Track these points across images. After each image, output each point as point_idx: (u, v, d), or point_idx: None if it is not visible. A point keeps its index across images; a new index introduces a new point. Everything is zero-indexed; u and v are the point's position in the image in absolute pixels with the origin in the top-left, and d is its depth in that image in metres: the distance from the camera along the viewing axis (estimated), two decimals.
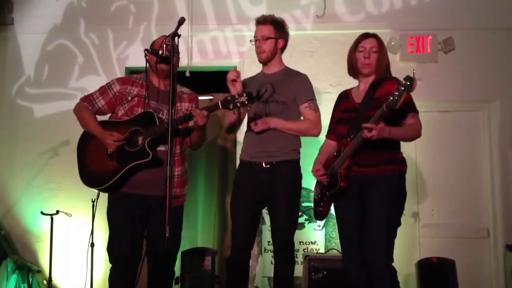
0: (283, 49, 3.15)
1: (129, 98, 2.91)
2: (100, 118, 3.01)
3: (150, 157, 2.74)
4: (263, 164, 2.97)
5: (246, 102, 2.67)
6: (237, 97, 2.68)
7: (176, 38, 2.64)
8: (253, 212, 3.03)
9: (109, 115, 3.03)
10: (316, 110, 3.04)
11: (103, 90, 2.99)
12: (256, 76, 3.20)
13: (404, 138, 2.68)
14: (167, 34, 2.67)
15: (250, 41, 3.10)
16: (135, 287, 2.90)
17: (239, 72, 2.96)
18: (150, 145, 2.76)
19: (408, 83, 2.32)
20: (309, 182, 4.21)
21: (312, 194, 4.27)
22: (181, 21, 2.57)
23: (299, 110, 3.05)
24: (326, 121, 3.24)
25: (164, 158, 2.71)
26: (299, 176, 3.05)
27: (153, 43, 2.99)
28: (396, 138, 2.58)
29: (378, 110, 2.45)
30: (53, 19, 4.71)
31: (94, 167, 2.88)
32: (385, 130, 2.49)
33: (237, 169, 3.13)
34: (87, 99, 2.99)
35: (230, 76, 2.92)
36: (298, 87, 3.04)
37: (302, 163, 3.05)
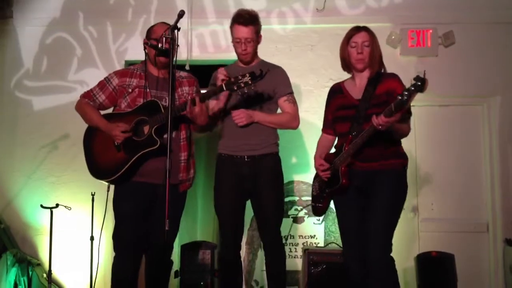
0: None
1: (130, 90, 2.93)
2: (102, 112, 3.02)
3: (158, 144, 2.76)
4: (245, 158, 2.97)
5: (250, 82, 2.68)
6: (240, 77, 2.69)
7: (176, 31, 2.63)
8: (238, 207, 3.04)
9: (111, 109, 3.04)
10: (295, 103, 3.07)
11: (102, 85, 3.00)
12: (231, 67, 3.16)
13: (399, 133, 2.65)
14: (165, 22, 2.65)
15: (232, 42, 3.05)
16: (137, 278, 2.91)
17: (226, 72, 2.93)
18: (157, 132, 2.78)
19: (419, 83, 2.24)
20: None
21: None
22: (181, 14, 2.56)
23: (277, 103, 3.05)
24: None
25: (172, 145, 2.71)
26: (281, 168, 3.07)
27: (151, 30, 2.96)
28: (395, 131, 2.57)
29: (385, 108, 2.39)
30: (52, 12, 4.69)
31: (103, 159, 2.89)
32: (395, 125, 2.49)
33: (217, 163, 3.10)
34: (88, 95, 3.00)
35: (220, 76, 2.89)
36: (276, 80, 3.03)
37: (286, 155, 3.08)
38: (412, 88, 2.26)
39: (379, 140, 2.57)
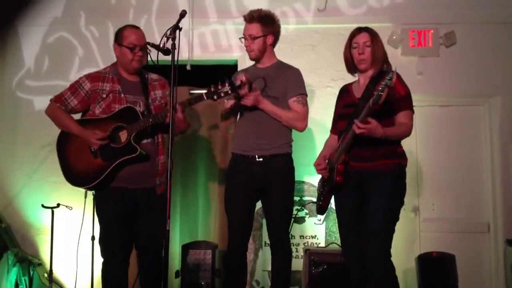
0: (274, 43, 3.12)
1: (104, 96, 2.92)
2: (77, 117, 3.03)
3: (138, 152, 2.79)
4: (256, 158, 2.98)
5: (230, 92, 2.73)
6: (220, 87, 2.73)
7: (178, 30, 2.63)
8: (248, 206, 3.04)
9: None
10: (305, 104, 3.05)
11: (74, 89, 2.98)
12: (248, 69, 3.21)
13: (395, 138, 2.67)
14: (168, 27, 2.66)
15: (240, 38, 3.10)
16: (127, 280, 2.93)
17: (247, 77, 2.94)
18: (135, 139, 2.81)
19: (388, 78, 2.35)
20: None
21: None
22: (183, 14, 2.58)
23: (288, 104, 3.05)
24: (327, 115, 3.23)
25: (150, 151, 2.84)
26: (292, 169, 3.07)
27: (121, 36, 3.01)
28: (388, 138, 2.59)
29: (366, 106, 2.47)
30: (53, 12, 4.69)
31: (79, 166, 2.89)
32: (378, 131, 2.50)
33: (230, 162, 3.13)
34: (59, 100, 2.98)
35: (239, 77, 2.93)
36: (289, 81, 3.05)
37: (293, 156, 3.09)
38: (384, 83, 2.36)
39: (374, 140, 2.58)
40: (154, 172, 2.92)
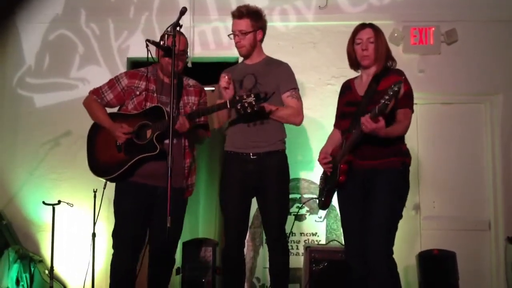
0: (262, 39, 3.11)
1: (138, 93, 2.98)
2: (109, 110, 3.08)
3: (157, 150, 2.81)
4: (251, 155, 2.97)
5: (254, 103, 2.70)
6: (245, 97, 2.71)
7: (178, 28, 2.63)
8: (243, 203, 3.04)
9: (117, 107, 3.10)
10: (299, 99, 3.04)
11: (111, 84, 3.05)
12: (238, 66, 3.20)
13: (394, 136, 2.66)
14: (168, 25, 2.66)
15: (229, 35, 3.08)
16: (136, 274, 2.95)
17: (229, 76, 2.92)
18: (158, 138, 2.82)
19: (396, 89, 2.34)
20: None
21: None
22: (183, 11, 2.58)
23: (282, 99, 3.04)
24: (327, 113, 3.23)
25: (173, 151, 2.75)
26: (287, 167, 3.06)
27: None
28: (387, 137, 2.58)
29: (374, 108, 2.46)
30: (54, 9, 4.70)
31: (103, 157, 2.96)
32: (383, 130, 2.49)
33: (224, 160, 3.12)
34: (96, 92, 3.06)
35: (222, 84, 2.91)
36: (280, 76, 3.03)
37: (287, 153, 3.08)
38: (391, 93, 2.35)
39: (378, 139, 2.57)
40: (181, 174, 2.97)
